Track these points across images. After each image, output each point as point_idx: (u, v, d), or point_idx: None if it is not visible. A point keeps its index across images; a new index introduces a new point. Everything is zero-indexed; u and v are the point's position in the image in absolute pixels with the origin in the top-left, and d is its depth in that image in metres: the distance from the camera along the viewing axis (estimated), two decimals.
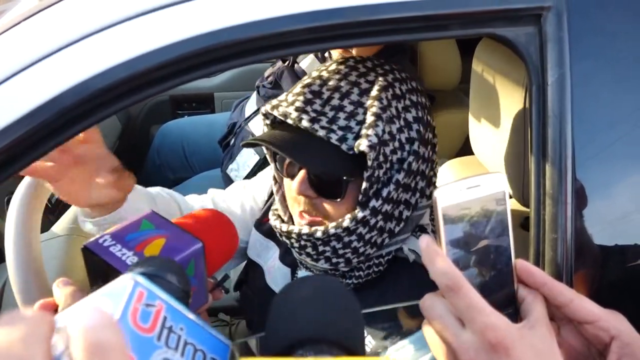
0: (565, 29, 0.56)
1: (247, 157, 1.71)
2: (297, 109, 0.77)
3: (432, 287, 0.47)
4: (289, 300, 0.43)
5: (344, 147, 0.75)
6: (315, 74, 0.83)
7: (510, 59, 0.91)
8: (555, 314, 0.49)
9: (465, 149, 1.79)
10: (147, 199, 0.90)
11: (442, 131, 1.75)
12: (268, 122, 0.85)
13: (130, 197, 0.83)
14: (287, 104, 0.79)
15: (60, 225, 1.08)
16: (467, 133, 1.71)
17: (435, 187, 0.86)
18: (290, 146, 0.77)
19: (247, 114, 1.81)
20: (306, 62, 1.74)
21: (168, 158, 2.09)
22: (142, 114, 2.40)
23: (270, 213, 0.91)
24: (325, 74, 0.81)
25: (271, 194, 1.01)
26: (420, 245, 0.45)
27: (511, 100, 0.89)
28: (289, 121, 0.77)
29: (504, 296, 0.49)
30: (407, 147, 0.79)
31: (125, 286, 0.35)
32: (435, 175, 0.87)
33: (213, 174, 1.90)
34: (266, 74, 1.82)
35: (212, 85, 2.42)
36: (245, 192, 1.07)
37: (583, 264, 0.57)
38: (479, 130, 1.09)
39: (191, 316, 0.38)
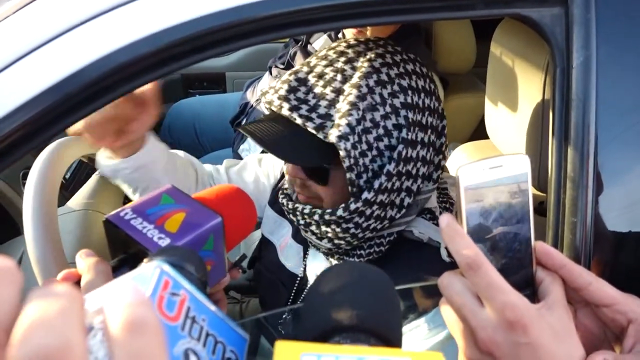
0: (593, 10, 0.55)
1: None
2: (279, 97, 0.78)
3: (444, 267, 0.47)
4: (327, 285, 0.42)
5: (320, 135, 0.75)
6: (307, 59, 0.82)
7: (530, 42, 0.90)
8: (573, 296, 0.49)
9: (478, 134, 1.78)
10: (162, 151, 0.91)
11: (455, 115, 1.75)
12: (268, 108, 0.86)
13: (148, 146, 0.86)
14: (274, 91, 0.80)
15: (76, 201, 1.09)
16: (480, 117, 1.70)
17: (439, 171, 0.86)
18: (269, 136, 0.77)
19: (259, 94, 1.80)
20: (319, 42, 1.73)
21: (179, 137, 2.10)
22: None
23: (280, 192, 0.93)
24: (313, 61, 0.81)
25: (283, 173, 1.02)
26: (440, 224, 0.45)
27: (530, 84, 0.88)
28: (273, 108, 0.79)
29: (522, 277, 0.49)
30: (395, 133, 0.76)
31: (152, 274, 0.35)
32: (444, 158, 0.86)
33: (224, 154, 1.91)
34: (279, 54, 1.81)
35: (224, 65, 2.41)
36: (261, 168, 1.08)
37: (602, 248, 0.57)
38: (495, 114, 1.08)
39: (212, 308, 0.38)
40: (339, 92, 0.76)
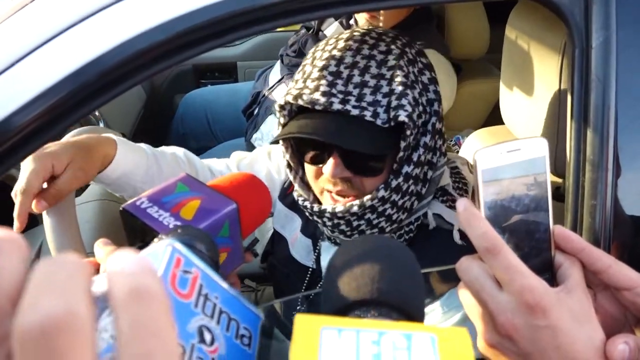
0: None
1: (271, 127, 1.71)
2: (324, 94, 0.75)
3: (457, 250, 0.47)
4: (347, 258, 0.41)
5: (378, 122, 0.75)
6: (325, 54, 0.80)
7: (546, 24, 0.89)
8: (592, 280, 0.49)
9: (491, 120, 1.76)
10: (137, 162, 0.90)
11: (468, 101, 1.74)
12: (285, 112, 0.83)
13: (116, 161, 0.85)
14: (311, 90, 0.77)
15: (92, 191, 1.11)
16: (493, 103, 1.68)
17: (447, 143, 0.86)
18: (328, 132, 0.75)
19: (270, 83, 1.80)
20: (331, 29, 1.72)
21: (192, 127, 2.11)
22: (165, 83, 2.41)
23: (295, 193, 0.91)
24: (337, 53, 0.79)
25: None
26: (458, 208, 0.45)
27: (546, 67, 0.87)
28: (318, 107, 0.75)
29: (541, 261, 0.48)
30: (428, 109, 0.80)
31: (164, 251, 0.35)
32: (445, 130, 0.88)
33: (237, 143, 1.91)
34: (290, 42, 1.80)
35: (235, 55, 2.41)
36: (271, 161, 1.07)
37: (621, 231, 0.56)
38: (510, 98, 1.07)
39: (225, 285, 0.38)
40: (379, 77, 0.76)
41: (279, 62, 1.82)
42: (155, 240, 0.45)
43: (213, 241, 0.47)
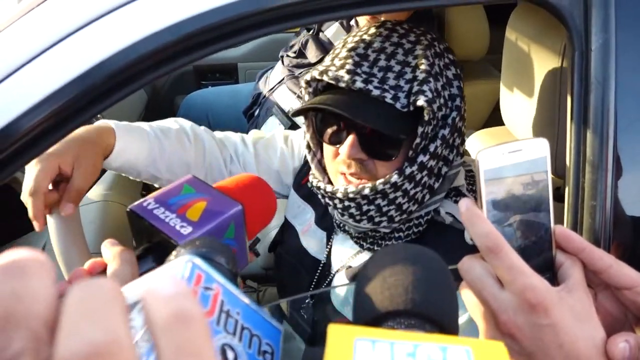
0: None
1: (271, 128, 1.71)
2: (348, 72, 0.78)
3: (468, 250, 0.47)
4: (379, 267, 0.40)
5: (397, 105, 0.76)
6: (355, 38, 0.83)
7: (546, 26, 0.89)
8: (593, 279, 0.49)
9: (492, 120, 1.77)
10: (142, 136, 0.91)
11: (469, 102, 1.73)
12: (310, 90, 0.85)
13: (116, 152, 0.86)
14: (337, 68, 0.80)
15: (95, 192, 1.11)
16: (494, 104, 1.68)
17: (464, 145, 0.87)
18: (349, 108, 0.77)
19: (271, 84, 1.80)
20: (331, 30, 1.72)
21: None
22: (166, 85, 2.42)
23: (311, 176, 0.92)
24: (367, 37, 0.82)
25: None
26: (460, 208, 0.46)
27: (546, 69, 0.88)
28: (342, 84, 0.78)
29: (542, 261, 0.49)
30: (449, 103, 0.81)
31: (184, 268, 0.34)
32: (465, 132, 0.89)
33: None
34: (290, 43, 1.81)
35: (236, 56, 2.41)
36: (287, 147, 1.07)
37: (621, 231, 0.57)
38: (511, 100, 1.08)
39: (246, 300, 0.37)
40: (404, 64, 0.78)
41: (279, 63, 1.83)
42: (174, 253, 0.44)
43: (232, 253, 0.46)
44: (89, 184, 0.81)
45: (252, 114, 1.85)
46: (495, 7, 1.52)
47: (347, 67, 0.78)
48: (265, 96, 1.81)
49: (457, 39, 1.76)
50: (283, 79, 1.76)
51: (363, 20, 1.44)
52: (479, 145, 1.26)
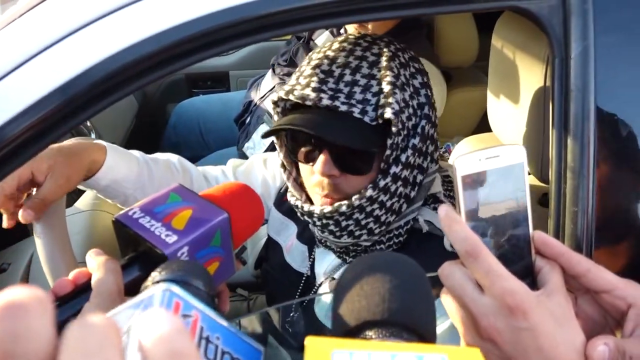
0: (590, 1, 0.56)
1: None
2: (314, 90, 0.78)
3: (448, 257, 0.48)
4: (356, 277, 0.39)
5: (366, 119, 0.76)
6: (319, 55, 0.83)
7: (531, 34, 0.90)
8: (573, 284, 0.50)
9: (481, 127, 1.78)
10: (128, 168, 0.91)
11: (459, 109, 1.75)
12: (279, 109, 0.85)
13: (105, 167, 0.86)
14: (302, 86, 0.79)
15: (83, 201, 1.11)
16: (484, 110, 1.69)
17: (439, 151, 0.87)
18: (317, 126, 0.77)
19: (262, 92, 1.81)
20: (322, 38, 1.73)
21: (184, 136, 2.11)
22: (158, 93, 2.42)
23: (289, 194, 0.92)
24: (330, 53, 0.82)
25: None
26: (439, 213, 0.46)
27: (531, 76, 0.89)
28: (308, 103, 0.77)
29: (522, 266, 0.49)
30: (418, 112, 0.82)
31: (162, 297, 0.34)
32: (439, 138, 0.89)
33: (229, 152, 1.92)
34: (281, 51, 1.82)
35: (227, 64, 2.42)
36: (267, 169, 1.08)
37: (603, 236, 0.57)
38: (497, 107, 1.08)
39: (225, 323, 0.37)
40: (369, 77, 0.79)
41: (270, 71, 1.84)
42: (149, 279, 0.43)
43: (208, 273, 0.46)
44: (58, 196, 0.79)
45: (243, 122, 1.85)
46: (484, 15, 1.54)
47: (313, 85, 0.78)
48: (256, 104, 1.81)
49: (446, 46, 1.78)
50: (274, 86, 1.77)
51: (351, 28, 1.45)
52: (468, 151, 1.27)
